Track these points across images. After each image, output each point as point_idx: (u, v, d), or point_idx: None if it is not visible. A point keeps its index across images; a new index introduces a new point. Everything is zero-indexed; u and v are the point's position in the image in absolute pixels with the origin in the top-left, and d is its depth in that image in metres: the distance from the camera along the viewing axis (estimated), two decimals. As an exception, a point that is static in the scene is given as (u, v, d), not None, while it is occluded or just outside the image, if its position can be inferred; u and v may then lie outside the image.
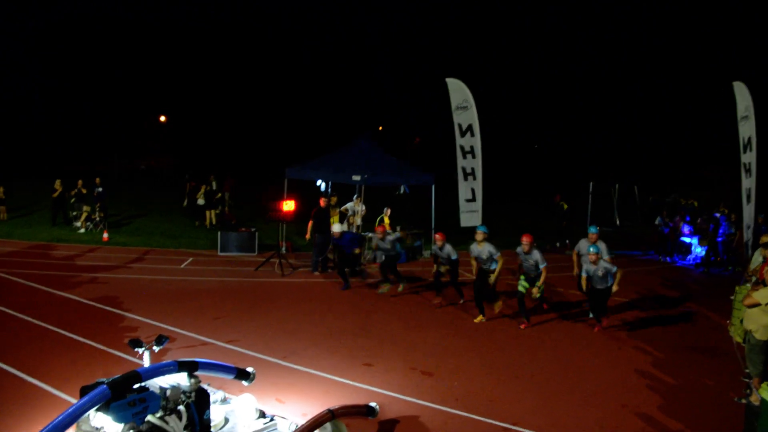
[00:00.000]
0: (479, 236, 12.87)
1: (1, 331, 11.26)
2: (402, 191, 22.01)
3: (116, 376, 6.84)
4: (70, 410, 6.23)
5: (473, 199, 19.47)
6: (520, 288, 12.73)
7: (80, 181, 23.60)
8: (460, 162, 19.50)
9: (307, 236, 16.85)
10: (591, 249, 12.44)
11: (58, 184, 23.59)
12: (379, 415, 7.80)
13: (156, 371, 6.84)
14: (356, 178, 17.64)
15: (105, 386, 6.29)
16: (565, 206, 22.60)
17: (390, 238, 14.82)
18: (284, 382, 9.29)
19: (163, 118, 42.65)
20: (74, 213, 23.40)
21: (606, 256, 12.76)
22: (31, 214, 25.91)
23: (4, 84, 42.29)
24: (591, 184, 26.01)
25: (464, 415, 8.31)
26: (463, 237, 20.50)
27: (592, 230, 13.36)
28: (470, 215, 19.62)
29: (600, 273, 12.22)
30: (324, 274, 16.59)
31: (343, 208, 18.21)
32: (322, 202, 17.12)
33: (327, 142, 34.18)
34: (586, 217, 24.89)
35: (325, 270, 16.81)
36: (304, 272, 16.63)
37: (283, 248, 18.01)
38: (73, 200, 23.52)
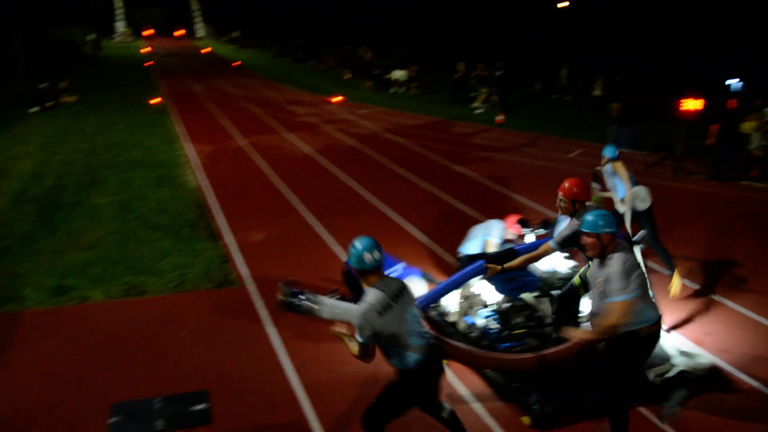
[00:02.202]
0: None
1: (403, 194, 12.42)
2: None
3: (494, 251, 7.03)
4: (455, 276, 6.57)
5: None
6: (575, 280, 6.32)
7: (481, 64, 24.38)
8: None
9: (709, 141, 15.24)
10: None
11: (461, 65, 24.82)
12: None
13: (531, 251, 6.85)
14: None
15: (483, 261, 6.47)
16: None
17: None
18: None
19: (565, 3, 41.71)
20: (473, 94, 24.50)
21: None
22: (435, 92, 27.77)
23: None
24: None
25: None
26: None
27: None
28: None
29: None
30: (724, 184, 14.90)
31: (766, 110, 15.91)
32: (732, 103, 15.24)
33: (743, 36, 30.21)
34: None
35: (726, 179, 15.09)
36: (700, 179, 15.20)
37: (679, 150, 16.64)
38: (472, 81, 24.56)
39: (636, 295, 4.71)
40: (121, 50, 50.32)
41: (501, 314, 6.51)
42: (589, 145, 18.35)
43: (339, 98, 24.95)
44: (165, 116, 20.78)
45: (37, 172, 13.45)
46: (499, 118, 21.12)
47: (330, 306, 4.78)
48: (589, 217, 4.90)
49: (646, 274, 5.09)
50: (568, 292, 6.27)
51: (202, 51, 52.42)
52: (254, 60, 45.22)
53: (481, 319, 6.58)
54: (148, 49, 51.06)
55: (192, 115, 21.16)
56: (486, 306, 6.69)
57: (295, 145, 16.70)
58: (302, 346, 6.61)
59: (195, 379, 6.02)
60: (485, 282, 6.72)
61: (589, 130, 20.47)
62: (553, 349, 5.71)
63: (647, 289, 4.95)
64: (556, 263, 7.14)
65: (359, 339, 4.24)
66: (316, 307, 4.74)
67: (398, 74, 28.21)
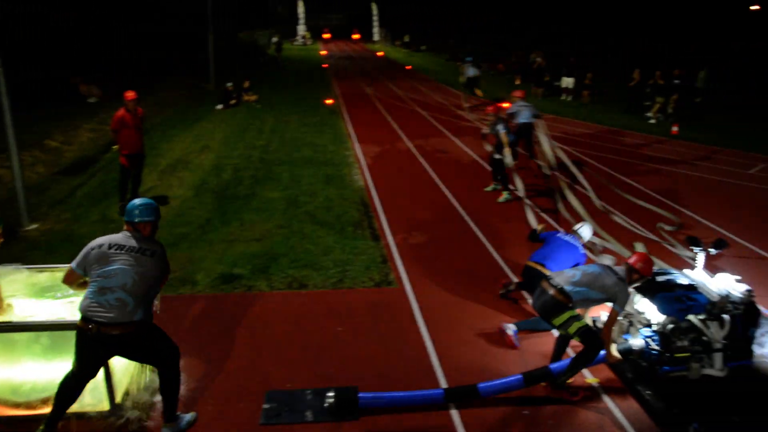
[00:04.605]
0: None
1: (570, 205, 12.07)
2: None
3: (664, 269, 6.69)
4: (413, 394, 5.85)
5: None
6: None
7: (658, 72, 23.13)
8: None
9: None
10: None
11: (636, 73, 23.79)
12: None
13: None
14: None
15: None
16: None
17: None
18: None
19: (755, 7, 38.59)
20: (647, 103, 23.39)
21: None
22: (609, 101, 26.68)
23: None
24: None
25: None
26: None
27: None
28: None
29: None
30: None
31: None
32: None
33: None
34: None
35: None
36: None
37: None
38: (648, 90, 23.42)
39: (72, 266, 5.03)
40: (301, 52, 52.74)
41: (663, 336, 6.17)
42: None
43: (507, 105, 24.61)
44: (337, 116, 21.59)
45: (217, 165, 14.48)
46: (674, 129, 19.90)
47: None
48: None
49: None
50: None
51: (378, 54, 53.77)
52: (426, 64, 45.76)
53: (640, 339, 6.29)
54: (325, 52, 53.17)
55: (362, 117, 21.84)
56: (649, 325, 6.39)
57: (462, 149, 16.76)
58: (455, 351, 6.64)
59: (346, 373, 6.22)
60: (648, 300, 6.43)
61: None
62: None
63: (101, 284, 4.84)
64: (728, 285, 6.67)
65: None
66: None
67: (567, 81, 27.67)
